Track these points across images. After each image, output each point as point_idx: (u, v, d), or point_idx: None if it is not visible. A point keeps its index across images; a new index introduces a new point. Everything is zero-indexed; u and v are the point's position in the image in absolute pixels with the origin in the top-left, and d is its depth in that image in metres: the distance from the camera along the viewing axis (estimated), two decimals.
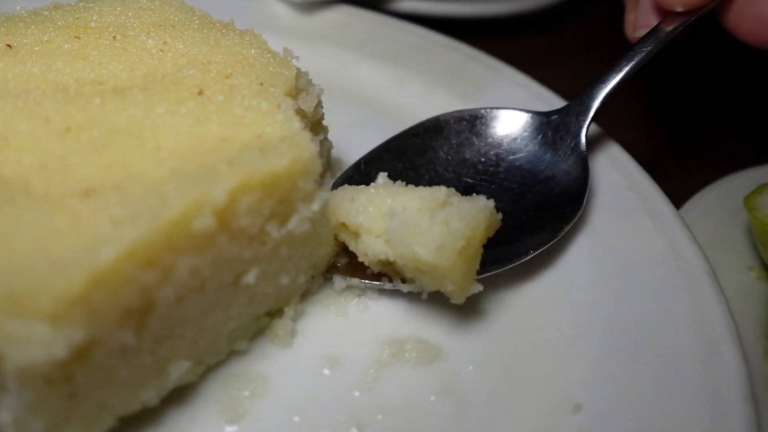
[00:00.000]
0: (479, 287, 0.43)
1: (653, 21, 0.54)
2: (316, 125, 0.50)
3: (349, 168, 0.55)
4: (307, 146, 0.38)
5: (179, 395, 0.39)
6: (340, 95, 0.68)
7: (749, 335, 0.49)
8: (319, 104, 0.50)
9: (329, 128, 0.55)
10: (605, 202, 0.53)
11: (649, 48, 0.53)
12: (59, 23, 0.45)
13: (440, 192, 0.44)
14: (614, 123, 0.77)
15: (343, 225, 0.45)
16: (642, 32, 0.54)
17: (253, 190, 0.35)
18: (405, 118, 0.62)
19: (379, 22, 0.76)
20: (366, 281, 0.47)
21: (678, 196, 0.60)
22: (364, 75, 0.71)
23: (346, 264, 0.48)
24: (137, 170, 0.33)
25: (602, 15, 1.07)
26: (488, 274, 0.46)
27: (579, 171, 0.52)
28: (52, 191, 0.31)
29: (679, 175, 0.72)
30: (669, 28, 0.52)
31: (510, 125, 0.56)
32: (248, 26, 0.69)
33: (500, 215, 0.45)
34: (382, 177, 0.49)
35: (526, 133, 0.55)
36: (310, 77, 0.49)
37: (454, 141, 0.56)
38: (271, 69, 0.44)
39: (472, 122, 0.56)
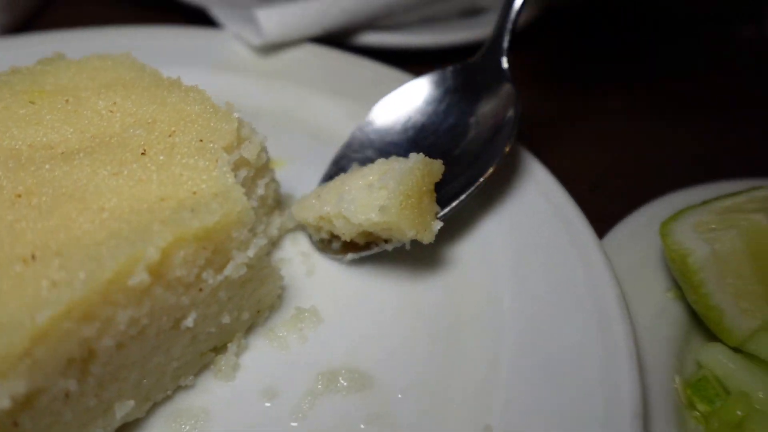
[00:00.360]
0: (439, 224, 0.51)
1: None
2: (261, 170, 0.54)
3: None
4: (239, 200, 0.42)
5: (127, 430, 0.43)
6: (298, 129, 0.73)
7: (663, 353, 0.53)
8: (263, 150, 0.54)
9: (288, 162, 0.60)
10: (531, 229, 0.57)
11: None
12: (17, 88, 0.49)
13: (380, 164, 0.53)
14: (543, 147, 0.82)
15: (321, 218, 0.54)
16: None
17: (187, 245, 0.39)
18: None
19: (335, 59, 0.81)
20: (357, 253, 0.55)
21: (612, 217, 0.65)
22: (321, 110, 0.75)
23: (340, 246, 0.57)
24: (79, 233, 0.37)
25: (558, 39, 1.12)
26: (448, 209, 0.54)
27: (507, 96, 0.59)
28: (1, 256, 0.35)
29: (610, 198, 0.76)
30: None
31: (436, 86, 0.63)
32: (212, 65, 0.74)
33: (440, 161, 0.53)
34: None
35: (449, 86, 0.63)
36: (253, 126, 0.53)
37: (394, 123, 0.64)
38: (212, 124, 0.48)
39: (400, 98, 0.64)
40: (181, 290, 0.40)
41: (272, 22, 0.79)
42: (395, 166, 0.52)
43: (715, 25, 1.30)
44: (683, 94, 1.02)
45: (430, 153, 0.54)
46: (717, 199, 0.59)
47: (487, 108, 0.59)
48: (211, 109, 0.50)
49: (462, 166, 0.56)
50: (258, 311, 0.50)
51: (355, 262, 0.57)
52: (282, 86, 0.78)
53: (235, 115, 0.51)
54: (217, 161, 0.45)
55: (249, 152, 0.51)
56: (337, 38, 0.89)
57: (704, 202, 0.59)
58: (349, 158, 0.61)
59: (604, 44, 1.15)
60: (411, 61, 0.86)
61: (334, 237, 0.57)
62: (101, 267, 0.35)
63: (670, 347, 0.54)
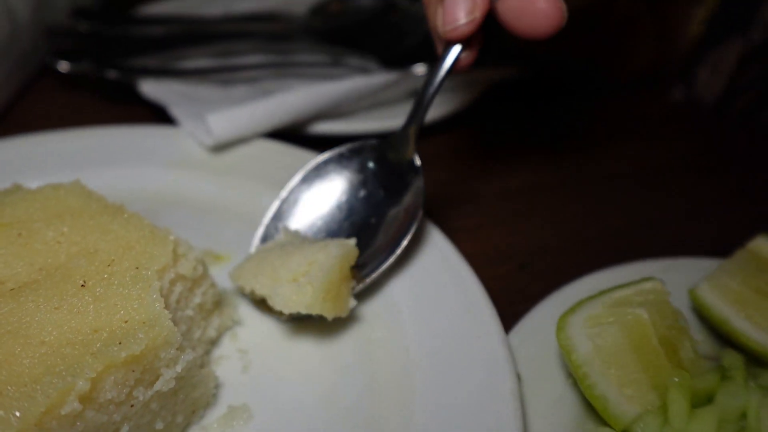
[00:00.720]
0: (353, 303, 0.64)
1: (461, 15, 0.61)
2: (198, 280, 0.61)
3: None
4: (165, 325, 0.49)
5: None
6: (245, 224, 0.79)
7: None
8: (199, 264, 0.61)
9: (232, 257, 0.74)
10: (440, 321, 0.64)
11: (449, 57, 0.66)
12: None
13: (305, 256, 0.62)
14: (477, 226, 0.89)
15: (256, 294, 0.64)
16: (450, 26, 0.62)
17: (116, 370, 0.46)
18: None
19: (283, 153, 0.88)
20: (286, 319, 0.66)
21: (539, 294, 0.72)
22: (269, 203, 0.82)
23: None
24: (19, 369, 0.44)
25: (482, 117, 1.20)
26: (361, 286, 0.66)
27: (415, 180, 0.69)
28: None
29: (538, 276, 0.83)
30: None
31: (350, 161, 0.73)
32: (167, 161, 0.82)
33: (354, 246, 0.64)
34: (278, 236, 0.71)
35: (367, 158, 0.73)
36: (190, 243, 0.60)
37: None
38: (148, 250, 0.55)
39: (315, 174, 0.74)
40: (113, 408, 0.47)
41: (221, 124, 0.86)
42: (319, 258, 0.62)
43: (643, 86, 1.38)
44: (612, 167, 1.10)
45: (351, 219, 0.64)
46: (611, 289, 0.66)
47: (399, 184, 0.70)
48: (149, 235, 0.57)
49: (376, 236, 0.67)
50: (193, 411, 0.56)
51: (281, 348, 0.66)
52: (231, 181, 0.85)
53: (171, 237, 0.58)
54: (149, 289, 0.52)
55: (185, 269, 0.58)
56: (289, 129, 0.97)
57: (600, 293, 0.66)
58: (272, 236, 0.72)
59: (529, 118, 1.23)
60: None
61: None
62: (36, 404, 0.41)
63: (567, 430, 0.60)
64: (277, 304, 0.61)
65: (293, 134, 0.96)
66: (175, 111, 0.94)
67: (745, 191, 1.04)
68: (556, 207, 0.99)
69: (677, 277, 0.73)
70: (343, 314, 0.63)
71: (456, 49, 0.66)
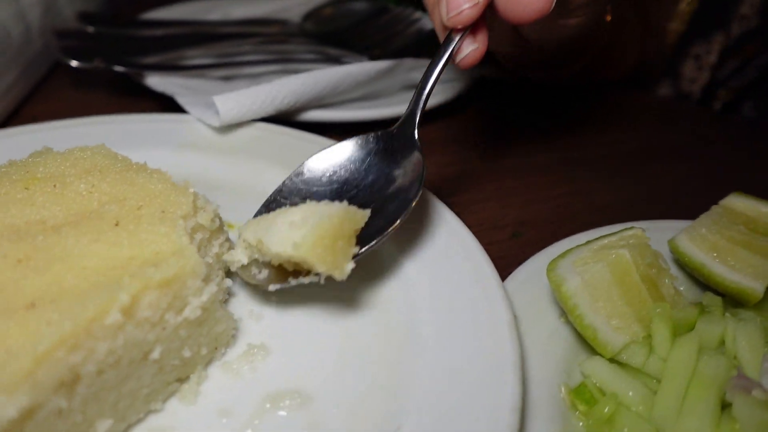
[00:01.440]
0: (352, 265, 0.61)
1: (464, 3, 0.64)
2: (215, 232, 0.66)
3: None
4: (191, 256, 0.54)
5: None
6: (251, 198, 0.84)
7: (553, 368, 0.64)
8: (216, 217, 0.66)
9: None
10: (443, 270, 0.69)
11: (455, 41, 0.69)
12: (14, 177, 0.61)
13: (307, 206, 0.63)
14: (471, 202, 0.94)
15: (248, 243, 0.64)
16: (454, 12, 0.64)
17: (151, 292, 0.51)
18: None
19: (284, 135, 0.94)
20: (279, 284, 0.64)
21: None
22: (271, 180, 0.87)
23: (266, 276, 0.66)
24: (67, 286, 0.49)
25: (479, 103, 1.27)
26: (360, 252, 0.64)
27: (416, 161, 0.71)
28: (8, 306, 0.47)
29: (529, 243, 0.88)
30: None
31: (360, 147, 0.75)
32: (177, 145, 0.86)
33: (367, 211, 0.64)
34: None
35: (371, 149, 0.75)
36: (208, 198, 0.66)
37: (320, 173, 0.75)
38: (172, 198, 0.61)
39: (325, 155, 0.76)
40: (148, 328, 0.51)
41: (228, 106, 0.92)
42: (318, 209, 0.62)
43: (632, 82, 1.45)
44: (598, 151, 1.16)
45: (352, 204, 0.65)
46: (597, 239, 0.71)
47: (400, 169, 0.72)
48: (171, 186, 0.62)
49: (378, 217, 0.68)
50: (215, 347, 0.61)
51: (295, 304, 0.68)
52: (238, 161, 0.91)
53: (191, 190, 0.63)
54: (175, 227, 0.57)
55: (204, 219, 0.63)
56: (289, 116, 1.03)
57: (587, 242, 0.71)
58: (278, 203, 0.73)
59: (522, 104, 1.29)
60: (355, 131, 1.00)
61: (264, 267, 0.67)
62: (85, 310, 0.46)
63: (559, 362, 0.65)
64: (268, 242, 0.60)
65: (295, 122, 1.02)
66: (181, 100, 1.00)
67: (721, 172, 1.11)
68: (545, 185, 1.05)
69: (658, 234, 0.78)
70: (338, 274, 0.61)
71: (458, 37, 0.69)
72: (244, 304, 0.69)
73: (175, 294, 0.53)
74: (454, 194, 1.00)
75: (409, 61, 1.14)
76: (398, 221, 0.66)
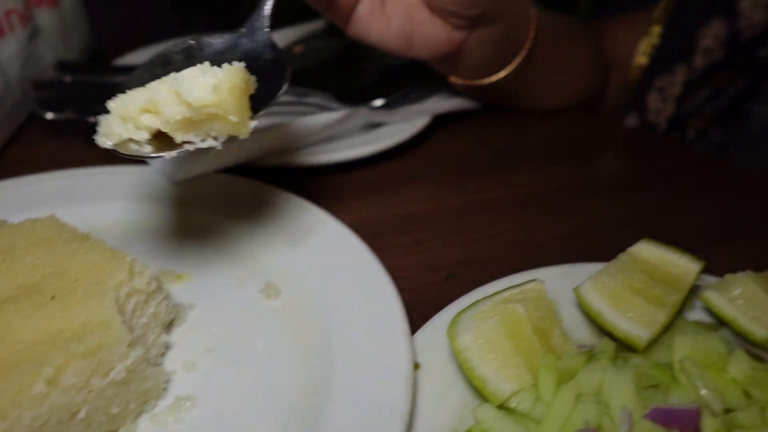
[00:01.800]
0: (254, 122, 0.64)
1: None
2: (152, 293, 0.74)
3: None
4: (117, 327, 0.62)
5: None
6: (202, 248, 0.93)
7: (448, 414, 0.72)
8: (153, 280, 0.74)
9: (192, 276, 0.84)
10: (357, 321, 0.77)
11: None
12: None
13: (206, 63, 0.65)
14: (415, 240, 1.00)
15: (144, 110, 0.64)
16: None
17: (77, 361, 0.59)
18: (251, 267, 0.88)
19: (237, 184, 1.02)
20: (172, 152, 0.67)
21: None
22: (223, 230, 0.96)
23: (151, 148, 0.67)
24: (0, 360, 0.57)
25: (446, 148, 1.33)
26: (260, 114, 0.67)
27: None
28: None
29: (463, 286, 0.94)
30: None
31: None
32: (137, 197, 0.95)
33: (254, 77, 0.65)
34: None
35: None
36: (146, 263, 0.74)
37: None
38: (107, 269, 0.69)
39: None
40: (74, 393, 0.60)
41: (185, 164, 1.00)
42: (224, 64, 0.63)
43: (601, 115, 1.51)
44: (553, 184, 1.22)
45: None
46: (502, 291, 0.79)
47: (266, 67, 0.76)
48: (110, 256, 0.71)
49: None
50: (145, 401, 0.69)
51: (230, 356, 0.76)
52: (193, 212, 0.99)
53: (128, 258, 0.71)
54: (106, 298, 0.65)
55: (140, 283, 0.71)
56: (244, 164, 1.10)
57: (493, 293, 0.78)
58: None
59: (479, 139, 1.36)
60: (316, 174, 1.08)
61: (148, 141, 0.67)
62: (10, 385, 0.54)
63: (455, 409, 0.72)
64: (180, 88, 0.60)
65: (249, 168, 1.10)
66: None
67: (671, 206, 1.15)
68: (489, 223, 1.11)
69: (569, 280, 0.85)
70: (244, 129, 0.63)
71: None
72: (180, 355, 0.77)
73: (100, 361, 0.61)
74: (403, 234, 1.06)
75: (364, 110, 1.21)
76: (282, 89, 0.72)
